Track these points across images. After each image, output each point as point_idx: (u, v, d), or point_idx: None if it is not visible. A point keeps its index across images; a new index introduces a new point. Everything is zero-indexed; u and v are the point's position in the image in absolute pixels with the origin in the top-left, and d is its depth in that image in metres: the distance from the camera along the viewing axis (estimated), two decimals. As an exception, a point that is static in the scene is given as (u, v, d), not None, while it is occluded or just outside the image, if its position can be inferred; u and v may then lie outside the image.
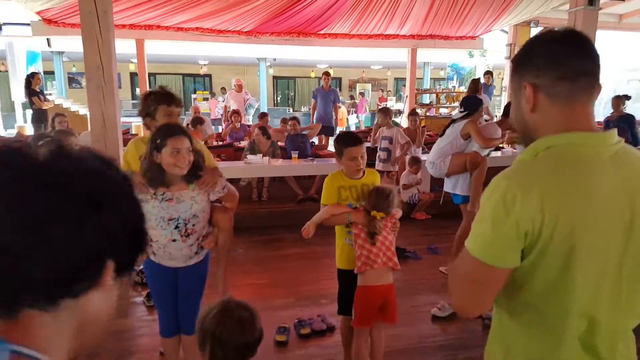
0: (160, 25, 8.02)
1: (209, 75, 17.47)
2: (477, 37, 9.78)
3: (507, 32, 9.80)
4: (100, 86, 4.38)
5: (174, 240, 2.07)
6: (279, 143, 6.22)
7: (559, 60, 0.94)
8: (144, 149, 2.07)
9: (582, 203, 0.88)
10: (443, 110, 10.79)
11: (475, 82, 7.45)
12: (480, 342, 2.86)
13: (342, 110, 13.52)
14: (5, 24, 7.69)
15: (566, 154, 0.92)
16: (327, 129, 7.82)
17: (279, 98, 19.72)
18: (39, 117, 7.43)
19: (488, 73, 9.09)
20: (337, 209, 2.30)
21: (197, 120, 6.01)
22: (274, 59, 14.01)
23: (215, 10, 7.14)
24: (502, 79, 10.15)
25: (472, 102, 3.85)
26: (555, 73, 0.94)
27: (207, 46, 11.86)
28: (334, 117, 7.98)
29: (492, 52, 11.63)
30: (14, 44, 8.89)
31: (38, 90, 7.47)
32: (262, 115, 7.51)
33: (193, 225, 2.09)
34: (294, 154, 5.59)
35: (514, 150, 5.87)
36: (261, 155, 5.58)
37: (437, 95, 10.51)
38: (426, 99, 11.00)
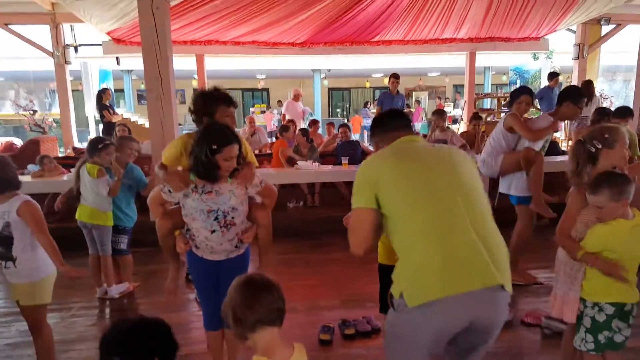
0: (219, 40, 8.41)
1: (267, 90, 18.03)
2: (541, 37, 9.25)
3: (574, 32, 9.18)
4: (159, 96, 4.65)
5: (213, 232, 2.10)
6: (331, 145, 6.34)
7: (386, 128, 1.82)
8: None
9: (395, 169, 1.58)
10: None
11: (588, 84, 6.87)
12: (537, 351, 2.66)
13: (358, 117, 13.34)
14: (80, 45, 8.39)
15: (393, 146, 1.72)
16: None
17: (333, 109, 19.85)
18: (108, 130, 8.00)
19: (554, 75, 8.39)
20: None
21: (284, 129, 6.27)
22: (329, 70, 14.14)
23: (269, 23, 7.36)
24: (570, 82, 9.45)
25: (514, 91, 3.61)
26: (384, 131, 1.82)
27: (263, 60, 12.28)
28: None
29: (558, 53, 10.93)
30: (88, 64, 9.70)
31: (108, 104, 8.06)
32: (314, 122, 7.57)
33: (232, 217, 2.13)
34: (344, 160, 5.56)
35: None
36: (311, 161, 5.59)
37: (498, 100, 10.02)
38: (487, 104, 10.53)
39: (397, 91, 7.02)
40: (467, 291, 1.41)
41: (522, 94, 3.51)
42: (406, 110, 7.34)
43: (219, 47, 8.54)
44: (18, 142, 9.11)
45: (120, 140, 3.69)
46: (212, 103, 2.23)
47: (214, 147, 1.98)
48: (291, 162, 5.86)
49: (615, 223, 1.87)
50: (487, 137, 6.20)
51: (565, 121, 3.90)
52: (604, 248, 1.89)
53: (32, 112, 9.09)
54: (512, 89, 11.35)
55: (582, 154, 2.06)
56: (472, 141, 5.68)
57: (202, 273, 2.28)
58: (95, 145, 3.46)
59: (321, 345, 2.73)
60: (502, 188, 3.60)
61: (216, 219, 2.09)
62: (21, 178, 5.32)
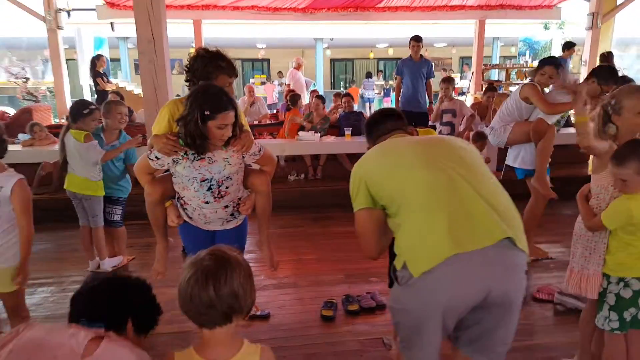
0: (217, 5, 8.04)
1: (267, 60, 17.55)
2: (554, 6, 8.84)
3: (588, 0, 8.75)
4: (152, 59, 4.38)
5: (207, 202, 1.96)
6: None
7: (373, 129, 1.77)
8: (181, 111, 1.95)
9: (380, 160, 1.56)
10: (514, 88, 9.87)
11: (608, 56, 6.50)
12: (550, 328, 2.50)
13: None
14: (73, 9, 8.03)
15: (380, 144, 1.67)
16: (417, 117, 5.49)
17: (336, 80, 19.40)
18: (102, 98, 7.70)
19: (570, 45, 7.80)
20: None
21: (295, 97, 6.10)
22: (331, 39, 13.69)
23: (270, -15, 6.99)
24: (581, 54, 9.06)
25: (542, 60, 3.33)
26: (374, 137, 1.75)
27: (264, 28, 11.85)
28: (427, 99, 5.83)
29: (570, 24, 10.52)
30: (82, 30, 9.33)
31: (102, 72, 7.77)
32: (313, 93, 7.29)
33: (227, 187, 1.97)
34: (347, 131, 5.34)
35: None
36: (312, 132, 5.39)
37: (506, 72, 9.69)
38: (494, 75, 10.20)
39: (421, 56, 5.76)
40: (476, 249, 1.28)
41: (546, 65, 3.22)
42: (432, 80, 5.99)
43: (217, 12, 8.17)
44: (11, 111, 8.87)
45: (108, 105, 3.43)
46: (213, 70, 2.01)
47: (207, 112, 1.77)
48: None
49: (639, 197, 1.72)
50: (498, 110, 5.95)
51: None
52: (626, 223, 1.75)
53: (24, 79, 8.78)
54: (521, 61, 11.03)
55: (601, 117, 1.94)
56: (483, 113, 5.43)
57: (195, 243, 2.12)
58: (79, 111, 3.22)
59: (323, 321, 2.60)
60: (508, 159, 3.40)
61: (209, 189, 1.93)
62: (11, 147, 5.18)
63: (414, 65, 5.71)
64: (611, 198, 1.83)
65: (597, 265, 1.88)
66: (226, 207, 2.00)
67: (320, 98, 5.75)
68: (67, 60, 8.20)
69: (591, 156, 2.03)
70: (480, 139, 5.02)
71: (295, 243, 3.94)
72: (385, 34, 12.64)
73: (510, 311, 1.37)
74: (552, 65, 3.21)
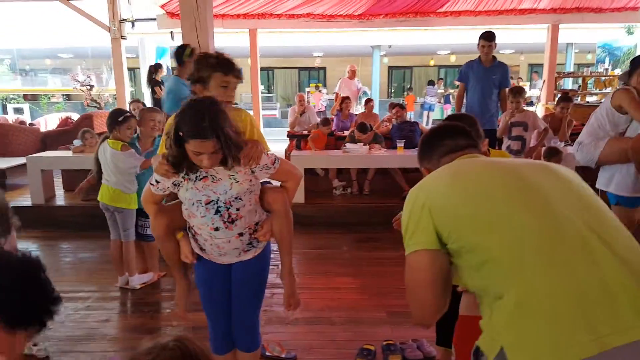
0: (272, 14, 7.95)
1: (324, 68, 17.46)
2: (641, 7, 7.87)
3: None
4: (198, 67, 4.28)
5: (216, 229, 1.67)
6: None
7: (437, 145, 1.33)
8: None
9: (458, 192, 1.10)
10: (591, 99, 8.91)
11: None
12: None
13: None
14: (136, 20, 8.30)
15: (448, 164, 1.25)
16: (485, 135, 4.29)
17: (393, 90, 18.89)
18: (158, 107, 7.86)
19: None
20: None
21: (325, 122, 5.82)
22: (389, 46, 13.27)
23: (324, -9, 6.77)
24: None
25: (636, 60, 2.72)
26: (437, 155, 1.32)
27: (320, 36, 11.71)
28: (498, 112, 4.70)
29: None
30: (145, 40, 9.66)
31: (160, 80, 7.91)
32: (367, 101, 6.85)
33: (237, 209, 1.66)
34: (400, 144, 4.92)
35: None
36: (362, 144, 5.02)
37: (583, 80, 8.77)
38: (568, 84, 9.29)
39: (494, 58, 4.60)
40: (624, 343, 0.87)
41: None
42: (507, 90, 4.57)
43: (273, 20, 8.09)
44: (77, 117, 9.34)
45: (142, 113, 3.38)
46: (203, 68, 1.77)
47: (181, 134, 1.52)
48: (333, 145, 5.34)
49: None
50: (573, 123, 5.25)
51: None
52: None
53: (89, 87, 9.23)
54: (599, 69, 9.99)
55: None
56: (556, 126, 4.79)
57: (209, 281, 1.85)
58: (115, 119, 3.16)
59: (357, 373, 2.22)
60: (599, 182, 2.80)
61: (217, 212, 1.65)
62: (62, 153, 5.24)
63: (483, 71, 4.58)
64: None
65: None
66: (241, 234, 1.70)
67: (361, 126, 5.21)
68: (133, 69, 8.45)
69: None
70: (553, 156, 4.39)
71: (334, 268, 3.58)
72: (447, 40, 12.03)
73: None
74: None
